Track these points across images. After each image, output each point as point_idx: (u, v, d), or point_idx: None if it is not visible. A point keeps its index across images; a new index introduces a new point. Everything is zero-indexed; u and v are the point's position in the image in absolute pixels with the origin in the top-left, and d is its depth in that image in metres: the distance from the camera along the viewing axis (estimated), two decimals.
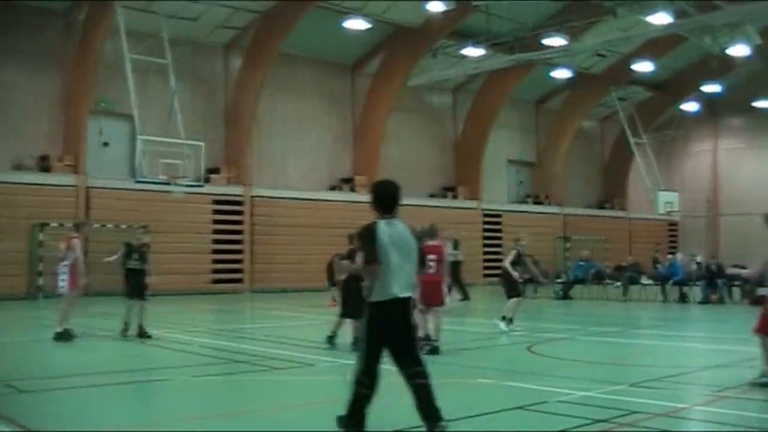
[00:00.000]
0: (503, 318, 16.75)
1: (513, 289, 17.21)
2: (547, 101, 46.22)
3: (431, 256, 12.98)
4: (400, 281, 7.18)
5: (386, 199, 7.51)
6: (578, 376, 11.22)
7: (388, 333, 7.21)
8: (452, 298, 18.35)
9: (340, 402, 7.38)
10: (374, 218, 7.45)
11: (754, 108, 46.51)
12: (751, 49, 33.67)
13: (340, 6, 32.23)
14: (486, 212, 41.48)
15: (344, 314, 13.40)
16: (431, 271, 13.04)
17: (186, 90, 31.56)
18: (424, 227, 13.56)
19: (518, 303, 17.09)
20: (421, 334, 13.51)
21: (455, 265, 26.52)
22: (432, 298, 13.21)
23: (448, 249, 25.92)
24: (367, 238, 7.27)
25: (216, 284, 31.84)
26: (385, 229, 7.28)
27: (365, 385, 7.20)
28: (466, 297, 27.14)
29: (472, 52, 34.42)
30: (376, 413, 7.30)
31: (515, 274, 17.24)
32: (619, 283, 29.19)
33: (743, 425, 8.11)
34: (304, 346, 14.57)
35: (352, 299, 12.29)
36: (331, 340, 13.77)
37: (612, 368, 12.46)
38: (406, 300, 7.23)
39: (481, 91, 41.40)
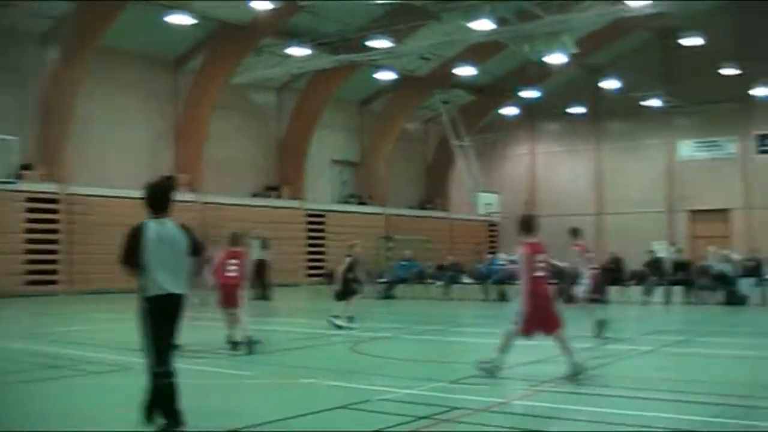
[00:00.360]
0: (349, 318, 17.16)
1: (340, 293, 17.66)
2: (371, 102, 46.63)
3: (233, 261, 13.93)
4: (171, 277, 7.41)
5: (158, 199, 7.63)
6: (401, 375, 11.32)
7: (165, 324, 7.41)
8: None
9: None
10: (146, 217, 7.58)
11: (569, 113, 48.43)
12: (567, 57, 35.04)
13: (164, 1, 31.49)
14: (309, 212, 41.44)
15: None
16: (231, 274, 13.90)
17: None
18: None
19: (347, 304, 17.42)
20: (239, 336, 13.61)
21: (262, 265, 26.59)
22: (227, 301, 13.83)
23: (256, 248, 26.07)
24: (128, 237, 7.45)
25: (30, 286, 30.52)
26: (154, 227, 7.44)
27: (164, 375, 7.34)
28: (265, 297, 27.04)
29: (298, 51, 34.35)
30: (205, 413, 7.14)
31: (336, 285, 17.95)
32: (440, 283, 29.72)
33: (557, 416, 8.37)
34: (123, 348, 14.14)
35: None
36: None
37: (434, 366, 12.63)
38: (179, 296, 7.47)
39: (305, 91, 41.37)
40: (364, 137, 46.77)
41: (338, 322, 16.87)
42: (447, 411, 8.44)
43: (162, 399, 7.32)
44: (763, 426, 8.17)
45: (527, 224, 10.83)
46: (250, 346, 13.20)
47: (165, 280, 7.35)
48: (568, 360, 10.33)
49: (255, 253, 27.34)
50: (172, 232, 7.52)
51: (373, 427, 7.75)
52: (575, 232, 16.27)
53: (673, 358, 13.26)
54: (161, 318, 7.38)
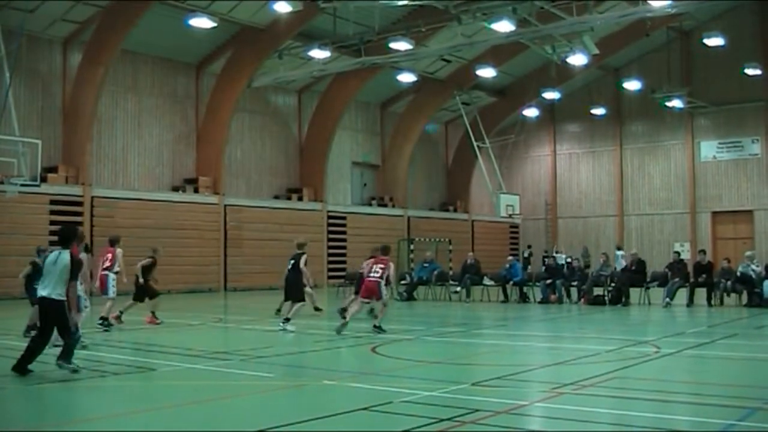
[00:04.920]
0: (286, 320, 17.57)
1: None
2: (392, 104, 46.64)
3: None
4: (45, 286, 11.29)
5: (60, 238, 11.93)
6: (422, 376, 11.33)
7: (41, 315, 11.50)
8: None
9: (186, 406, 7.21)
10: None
11: (590, 114, 48.29)
12: (588, 58, 34.94)
13: (185, 4, 31.68)
14: (331, 214, 41.54)
15: None
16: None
17: (21, 85, 30.49)
18: None
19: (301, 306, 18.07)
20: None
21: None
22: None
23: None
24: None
25: None
26: (51, 256, 11.61)
27: (36, 342, 11.37)
28: None
29: (318, 54, 34.41)
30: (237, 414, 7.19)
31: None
32: (458, 289, 29.42)
33: (579, 419, 8.35)
34: (145, 350, 14.23)
35: None
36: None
37: (455, 368, 12.62)
38: (46, 297, 11.22)
39: (326, 93, 41.46)
40: (384, 139, 46.81)
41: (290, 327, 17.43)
42: (469, 413, 8.45)
43: (28, 355, 11.20)
44: None
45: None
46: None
47: (40, 288, 11.36)
48: None
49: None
50: (60, 258, 11.33)
51: (395, 429, 7.78)
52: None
53: (696, 361, 13.20)
54: (39, 309, 11.64)
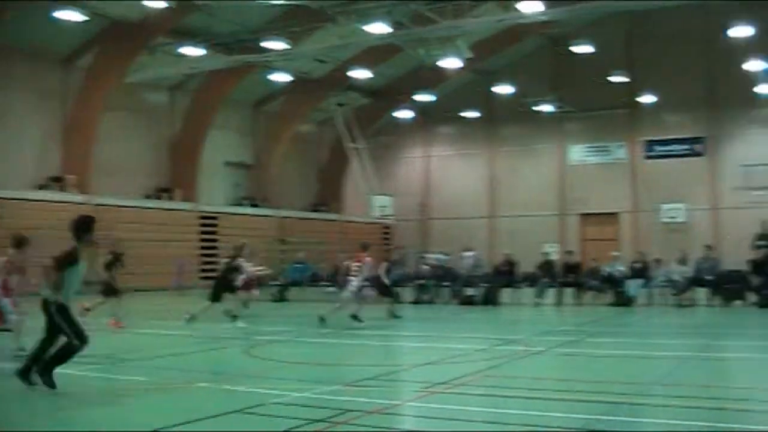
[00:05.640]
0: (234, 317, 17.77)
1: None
2: (265, 104, 46.32)
3: None
4: None
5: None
6: (295, 378, 11.29)
7: None
8: None
9: None
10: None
11: (463, 117, 48.96)
12: (461, 61, 35.46)
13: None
14: (203, 214, 40.92)
15: None
16: None
17: None
18: None
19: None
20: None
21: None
22: None
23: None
24: None
25: None
26: None
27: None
28: None
29: (192, 51, 33.88)
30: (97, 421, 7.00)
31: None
32: (332, 290, 29.38)
33: (451, 418, 8.45)
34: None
35: None
36: None
37: (328, 369, 12.62)
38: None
39: (199, 91, 40.88)
40: (257, 139, 46.45)
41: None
42: (341, 414, 8.45)
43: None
44: (647, 422, 8.41)
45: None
46: None
47: None
48: None
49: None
50: None
51: (269, 431, 7.71)
52: None
53: (563, 359, 13.53)
54: None
